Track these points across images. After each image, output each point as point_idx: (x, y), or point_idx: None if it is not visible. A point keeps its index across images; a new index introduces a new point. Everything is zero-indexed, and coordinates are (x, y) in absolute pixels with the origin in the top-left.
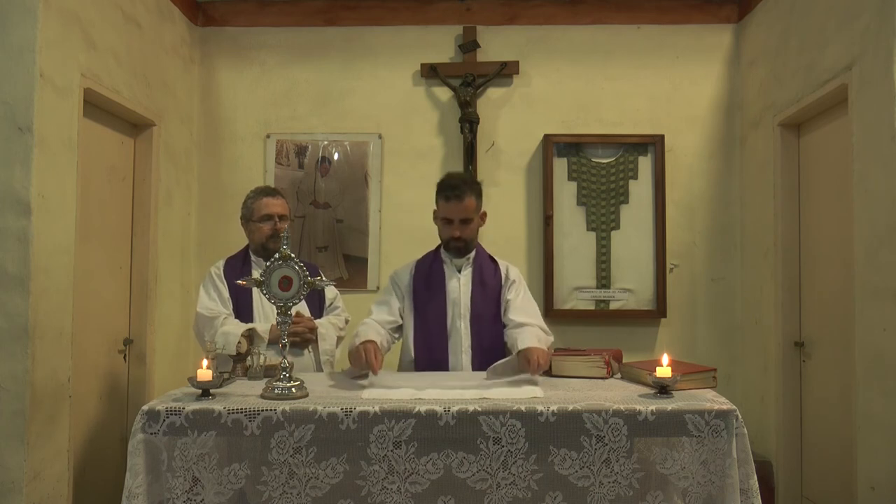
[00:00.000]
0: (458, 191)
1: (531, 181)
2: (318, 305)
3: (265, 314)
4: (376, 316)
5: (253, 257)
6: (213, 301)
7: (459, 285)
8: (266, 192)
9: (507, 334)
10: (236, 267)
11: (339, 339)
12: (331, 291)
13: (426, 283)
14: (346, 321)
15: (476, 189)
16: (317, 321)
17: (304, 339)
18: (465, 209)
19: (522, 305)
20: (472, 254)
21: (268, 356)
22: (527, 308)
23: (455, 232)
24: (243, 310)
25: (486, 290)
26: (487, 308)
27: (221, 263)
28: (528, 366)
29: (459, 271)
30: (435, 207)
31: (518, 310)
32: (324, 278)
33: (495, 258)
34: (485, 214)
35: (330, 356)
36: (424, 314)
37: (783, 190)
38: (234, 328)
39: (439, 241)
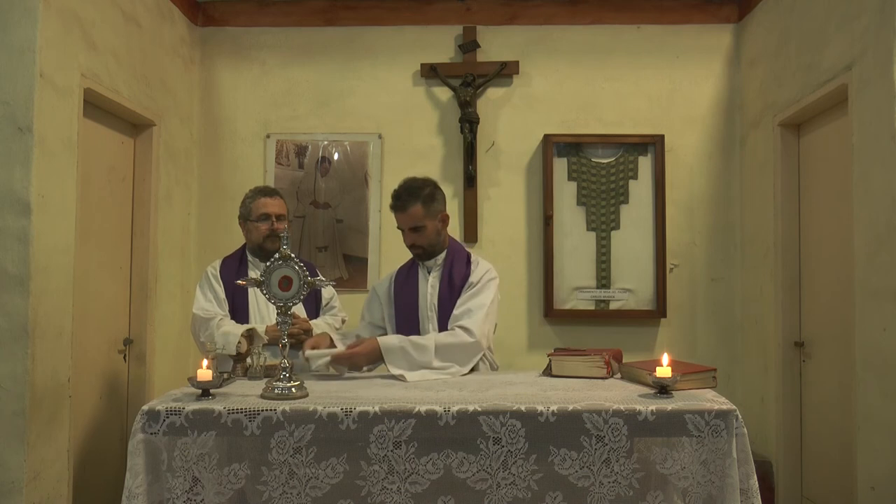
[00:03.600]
0: (400, 201)
1: (531, 181)
2: (314, 305)
3: (261, 315)
4: (364, 332)
5: (249, 257)
6: (210, 302)
7: (428, 287)
8: (264, 191)
9: None
10: (232, 267)
11: None
12: (327, 291)
13: (402, 287)
14: (343, 321)
15: (423, 195)
16: (312, 322)
17: (298, 341)
18: (410, 218)
19: (463, 305)
20: (443, 255)
21: (266, 356)
22: (468, 306)
23: (407, 240)
24: (239, 310)
25: (453, 290)
26: (453, 307)
27: (218, 263)
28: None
29: (429, 272)
30: None
31: (462, 311)
32: (321, 277)
33: (473, 258)
34: (446, 217)
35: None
36: (401, 317)
37: (783, 190)
38: (233, 328)
39: None
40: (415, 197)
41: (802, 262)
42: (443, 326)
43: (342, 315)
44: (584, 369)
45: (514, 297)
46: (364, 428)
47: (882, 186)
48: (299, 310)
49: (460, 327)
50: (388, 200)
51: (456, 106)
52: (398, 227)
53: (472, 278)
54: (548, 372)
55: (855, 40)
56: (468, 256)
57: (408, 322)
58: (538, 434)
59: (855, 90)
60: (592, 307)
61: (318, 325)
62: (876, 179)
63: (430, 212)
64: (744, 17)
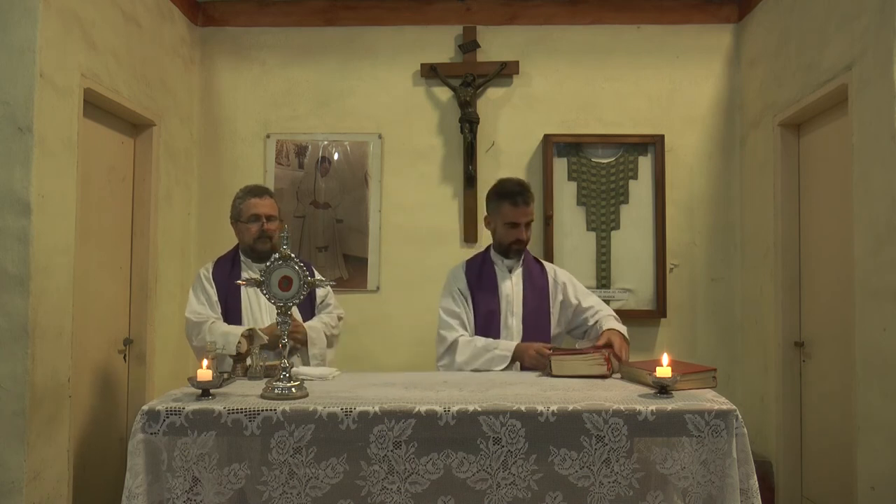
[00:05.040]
0: (526, 196)
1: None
2: (308, 306)
3: (254, 317)
4: (461, 331)
5: (242, 258)
6: (202, 304)
7: (512, 284)
8: (254, 191)
9: (592, 326)
10: (225, 268)
11: (333, 336)
12: (321, 289)
13: (480, 282)
14: (340, 318)
15: (532, 192)
16: (306, 324)
17: (297, 342)
18: (531, 212)
19: (592, 301)
20: (523, 255)
21: (266, 356)
22: (594, 301)
23: (522, 235)
24: (232, 312)
25: (536, 288)
26: (538, 305)
27: (210, 265)
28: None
29: (510, 271)
30: (488, 213)
31: (598, 306)
32: (320, 277)
33: (540, 260)
34: None
35: (320, 360)
36: (479, 312)
37: (783, 190)
38: (231, 328)
39: (489, 244)
40: (531, 193)
41: (802, 262)
42: (527, 323)
43: (338, 312)
44: (585, 368)
45: None
46: (364, 428)
47: (882, 186)
48: (293, 311)
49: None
50: (388, 200)
51: (456, 106)
52: (510, 223)
53: (560, 277)
54: (547, 372)
55: (855, 40)
56: (534, 258)
57: (491, 316)
58: (538, 434)
59: (855, 90)
60: None
61: (312, 327)
62: (876, 179)
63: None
64: (744, 17)
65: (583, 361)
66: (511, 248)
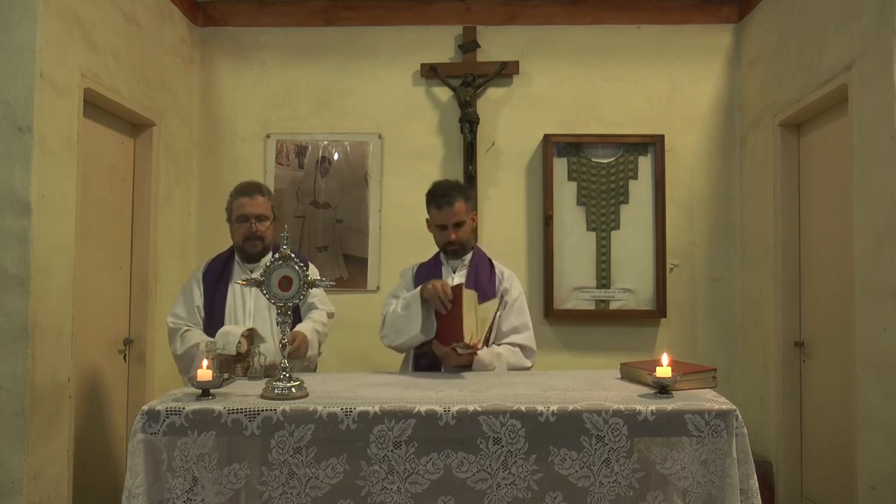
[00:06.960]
0: (449, 197)
1: (531, 181)
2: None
3: (237, 321)
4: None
5: (236, 257)
6: (183, 308)
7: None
8: (244, 190)
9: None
10: (217, 268)
11: (324, 335)
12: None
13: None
14: (331, 315)
15: (464, 192)
16: (301, 328)
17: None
18: (456, 213)
19: (513, 322)
20: (469, 256)
21: (266, 357)
22: (515, 323)
23: (451, 236)
24: (216, 315)
25: (478, 286)
26: None
27: (204, 264)
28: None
29: (454, 271)
30: (427, 217)
31: (507, 329)
32: (320, 277)
33: (494, 262)
34: (476, 215)
35: (312, 361)
36: None
37: (783, 190)
38: (201, 337)
39: (437, 247)
40: (458, 192)
41: (802, 262)
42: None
43: (328, 309)
44: (477, 308)
45: None
46: (364, 428)
47: (882, 186)
48: (264, 328)
49: (525, 349)
50: (388, 200)
51: (456, 106)
52: (437, 225)
53: (505, 282)
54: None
55: (855, 40)
56: (489, 261)
57: None
58: (538, 434)
59: (855, 90)
60: (592, 307)
61: (306, 331)
62: (876, 179)
63: (469, 208)
64: (744, 17)
65: (481, 306)
66: (447, 250)
